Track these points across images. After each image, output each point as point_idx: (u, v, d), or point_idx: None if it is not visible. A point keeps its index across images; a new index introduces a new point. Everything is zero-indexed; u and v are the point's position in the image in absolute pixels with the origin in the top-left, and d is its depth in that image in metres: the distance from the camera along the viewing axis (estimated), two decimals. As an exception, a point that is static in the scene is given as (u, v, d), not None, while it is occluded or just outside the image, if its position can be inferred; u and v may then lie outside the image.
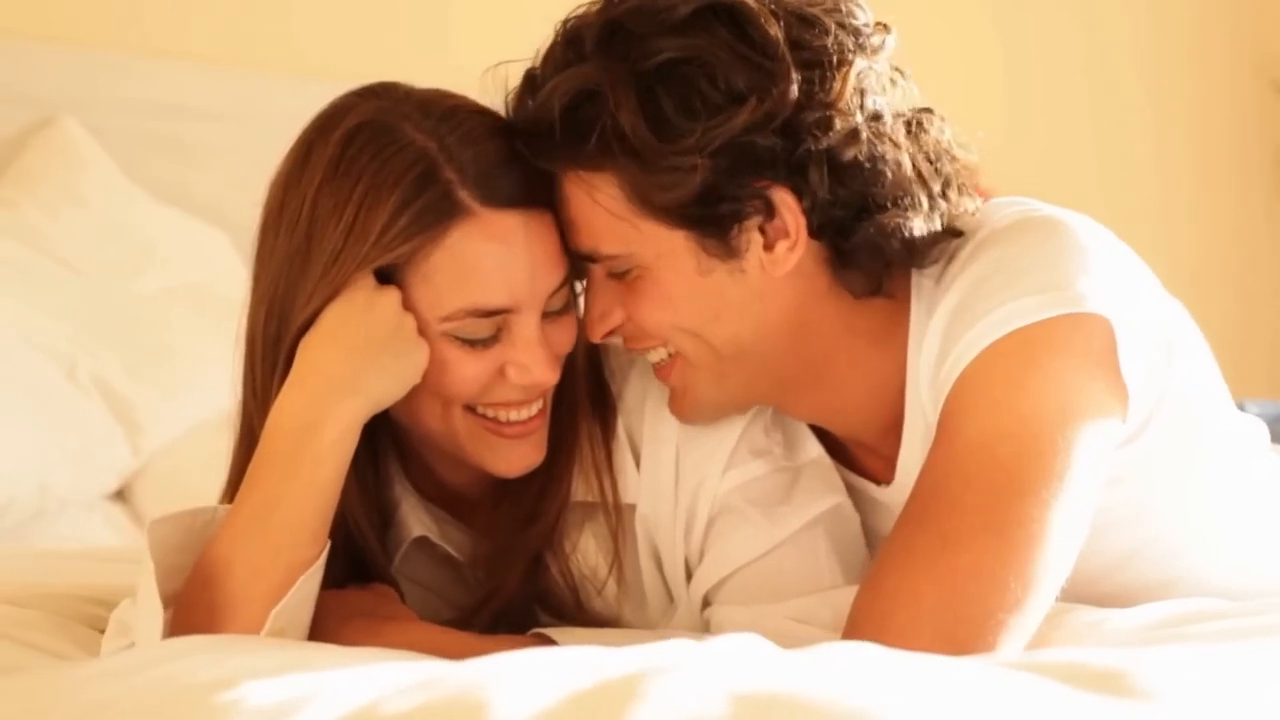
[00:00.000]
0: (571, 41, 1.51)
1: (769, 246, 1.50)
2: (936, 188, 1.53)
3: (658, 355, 1.59)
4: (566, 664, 1.06)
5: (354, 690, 1.03)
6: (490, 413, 1.56)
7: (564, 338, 1.58)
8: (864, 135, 1.48)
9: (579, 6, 1.53)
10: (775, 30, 1.46)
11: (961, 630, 1.36)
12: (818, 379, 1.58)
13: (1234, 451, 1.65)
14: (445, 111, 1.52)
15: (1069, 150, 3.84)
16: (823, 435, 1.68)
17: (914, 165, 1.52)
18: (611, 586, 1.63)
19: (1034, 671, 1.03)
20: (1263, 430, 1.72)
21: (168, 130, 3.01)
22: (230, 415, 2.63)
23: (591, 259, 1.55)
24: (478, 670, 1.05)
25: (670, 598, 1.66)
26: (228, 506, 1.53)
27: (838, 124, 1.47)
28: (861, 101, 1.49)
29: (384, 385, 1.49)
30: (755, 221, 1.49)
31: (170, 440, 2.66)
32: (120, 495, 2.66)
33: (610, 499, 1.62)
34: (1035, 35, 3.92)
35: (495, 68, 1.56)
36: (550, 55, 1.53)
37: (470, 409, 1.56)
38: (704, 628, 1.62)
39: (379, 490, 1.63)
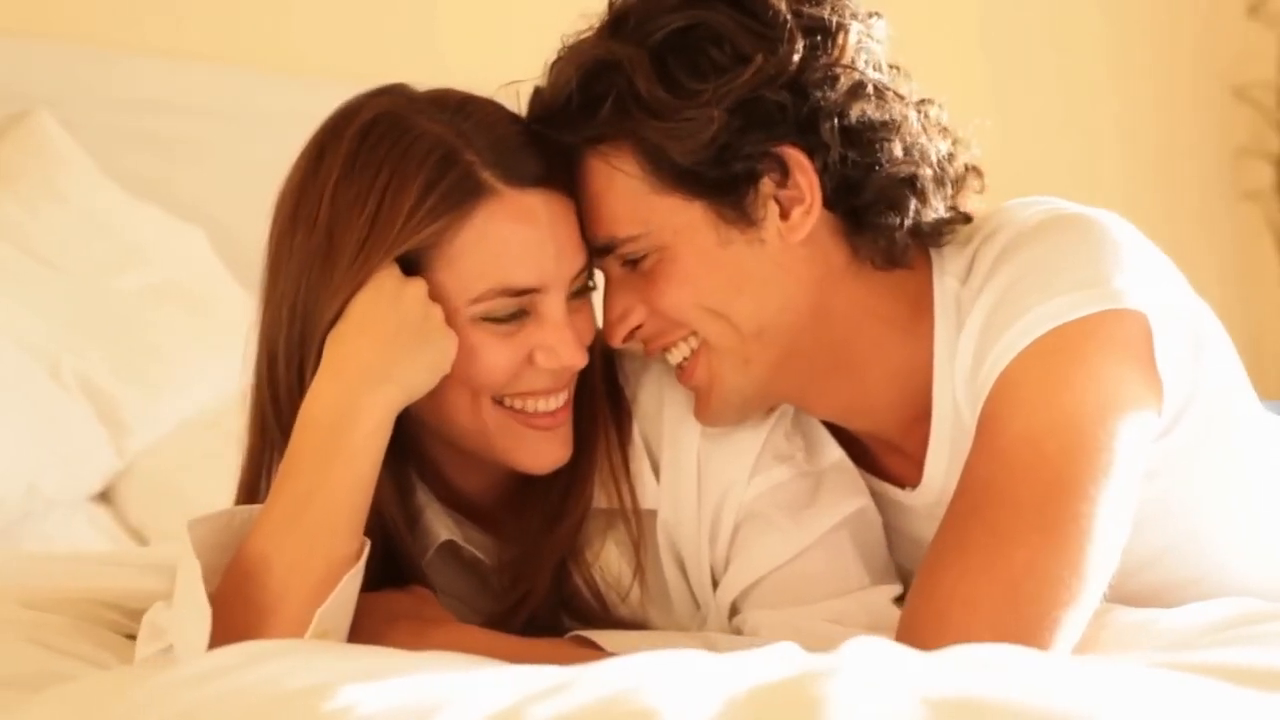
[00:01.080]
0: (581, 36, 1.56)
1: (785, 214, 1.52)
2: (944, 148, 1.56)
3: (679, 354, 1.59)
4: (707, 667, 1.04)
5: (481, 696, 1.01)
6: (519, 404, 1.55)
7: (586, 325, 1.58)
8: (869, 89, 1.52)
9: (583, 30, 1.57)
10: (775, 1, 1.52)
11: (1019, 627, 1.36)
12: (840, 366, 1.58)
13: (1259, 447, 1.66)
14: (458, 103, 1.53)
15: (1037, 154, 3.86)
16: (843, 442, 1.67)
17: (921, 124, 1.55)
18: (635, 593, 1.62)
19: (1201, 672, 1.02)
20: None
21: (144, 126, 2.96)
22: (217, 415, 2.64)
23: (609, 247, 1.55)
24: (620, 673, 1.03)
25: (696, 603, 1.65)
26: (263, 506, 1.51)
27: (843, 80, 1.51)
28: (863, 61, 1.53)
29: (416, 374, 1.48)
30: (770, 186, 1.51)
31: (154, 440, 2.62)
32: (104, 496, 2.61)
33: (630, 505, 1.61)
34: (1005, 43, 3.94)
35: (507, 86, 1.58)
36: (563, 50, 1.57)
37: (499, 402, 1.55)
38: (733, 633, 1.61)
39: (403, 496, 1.61)
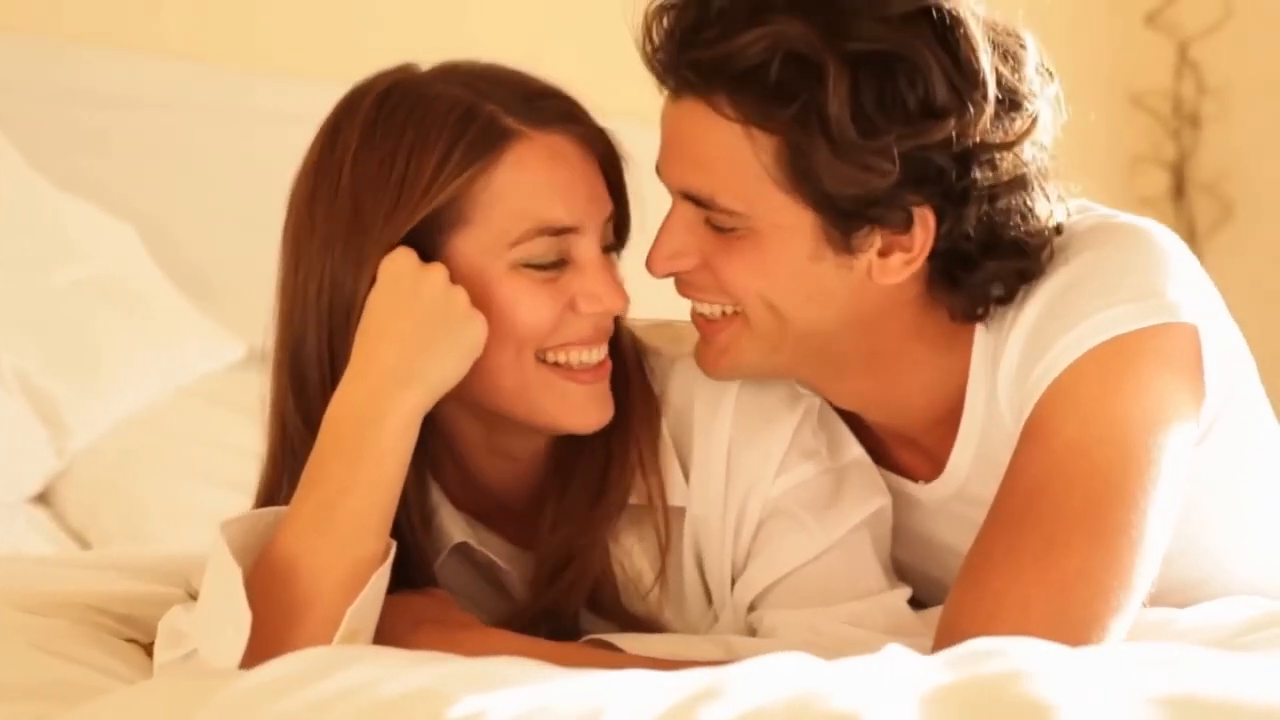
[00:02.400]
0: None
1: (884, 253, 1.49)
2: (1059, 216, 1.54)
3: (711, 309, 1.57)
4: (868, 666, 1.03)
5: (631, 699, 0.99)
6: (561, 357, 1.54)
7: (619, 279, 1.57)
8: (1029, 183, 1.48)
9: None
10: (984, 56, 1.44)
11: (1069, 632, 1.37)
12: (873, 370, 1.58)
13: (1271, 452, 1.69)
14: (468, 71, 1.53)
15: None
16: (854, 432, 1.67)
17: (1054, 206, 1.51)
18: (656, 590, 1.60)
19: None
20: None
21: (73, 118, 2.90)
22: (155, 414, 2.59)
23: (697, 200, 1.52)
24: (779, 674, 1.02)
25: (709, 600, 1.64)
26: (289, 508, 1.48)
27: (1007, 166, 1.46)
28: (1034, 152, 1.48)
29: (442, 369, 1.47)
30: (887, 229, 1.48)
31: (93, 440, 2.56)
32: (43, 498, 2.55)
33: (659, 502, 1.60)
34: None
35: None
36: None
37: (541, 359, 1.53)
38: (747, 631, 1.61)
39: (419, 497, 1.59)
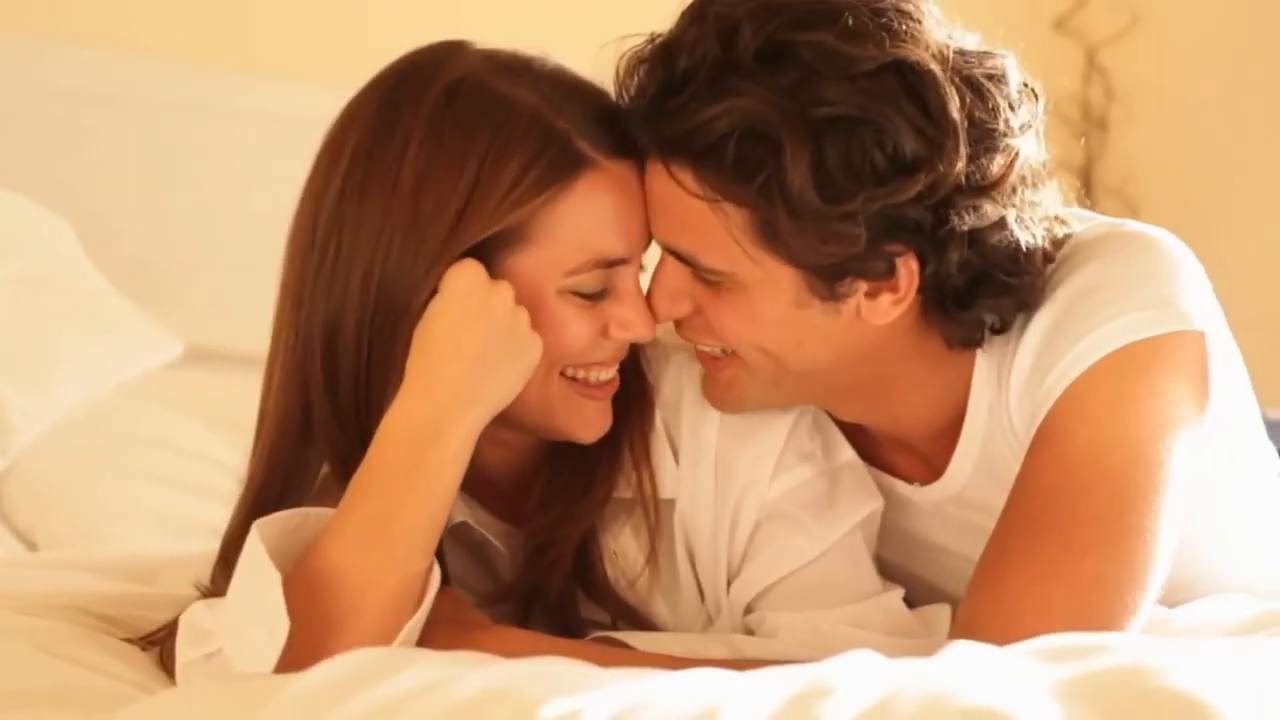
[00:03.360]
0: (724, 35, 1.43)
1: (872, 295, 1.49)
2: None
3: (711, 349, 1.58)
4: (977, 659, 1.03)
5: (744, 698, 0.99)
6: (580, 374, 1.55)
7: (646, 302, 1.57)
8: (1010, 224, 1.47)
9: None
10: (954, 103, 1.42)
11: (1089, 629, 1.39)
12: (877, 394, 1.60)
13: (1259, 454, 1.73)
14: (533, 70, 1.51)
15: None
16: (848, 433, 1.68)
17: (1045, 239, 1.51)
18: (645, 579, 1.61)
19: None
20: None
21: (3, 111, 2.84)
22: (97, 413, 2.55)
23: (680, 258, 1.52)
24: (891, 672, 1.02)
25: (701, 596, 1.65)
26: (327, 511, 1.47)
27: (989, 210, 1.45)
28: (1015, 190, 1.47)
29: (504, 388, 1.47)
30: (872, 278, 1.48)
31: (34, 439, 2.51)
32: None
33: (649, 492, 1.61)
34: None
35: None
36: (695, 43, 1.45)
37: (562, 373, 1.54)
38: (744, 632, 1.61)
39: None
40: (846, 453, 1.66)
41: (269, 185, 3.01)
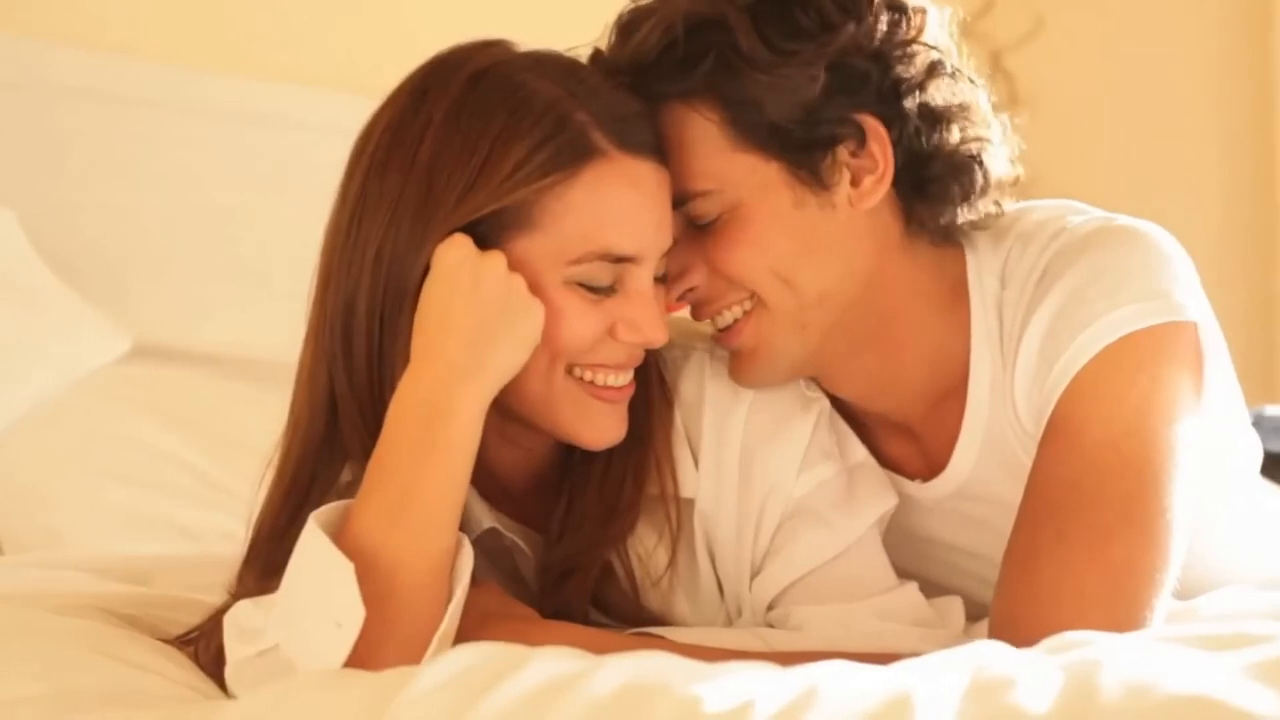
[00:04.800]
0: None
1: (856, 182, 1.58)
2: (999, 136, 1.65)
3: (730, 316, 1.62)
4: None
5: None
6: (589, 375, 1.55)
7: (663, 305, 1.59)
8: (947, 68, 1.60)
9: None
10: None
11: (1122, 616, 1.46)
12: (880, 340, 1.64)
13: (1246, 444, 1.79)
14: (567, 66, 1.54)
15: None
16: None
17: (988, 107, 1.64)
18: (667, 579, 1.63)
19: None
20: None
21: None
22: (53, 411, 2.50)
23: (680, 201, 1.58)
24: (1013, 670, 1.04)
25: (720, 594, 1.67)
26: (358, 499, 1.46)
27: (921, 57, 1.59)
28: (936, 42, 1.60)
29: (505, 357, 1.47)
30: (846, 151, 1.57)
31: (-8, 439, 2.47)
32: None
33: (671, 493, 1.62)
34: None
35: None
36: (632, 9, 1.60)
37: (569, 371, 1.54)
38: (766, 627, 1.63)
39: None
40: (861, 451, 1.70)
41: (216, 181, 3.01)
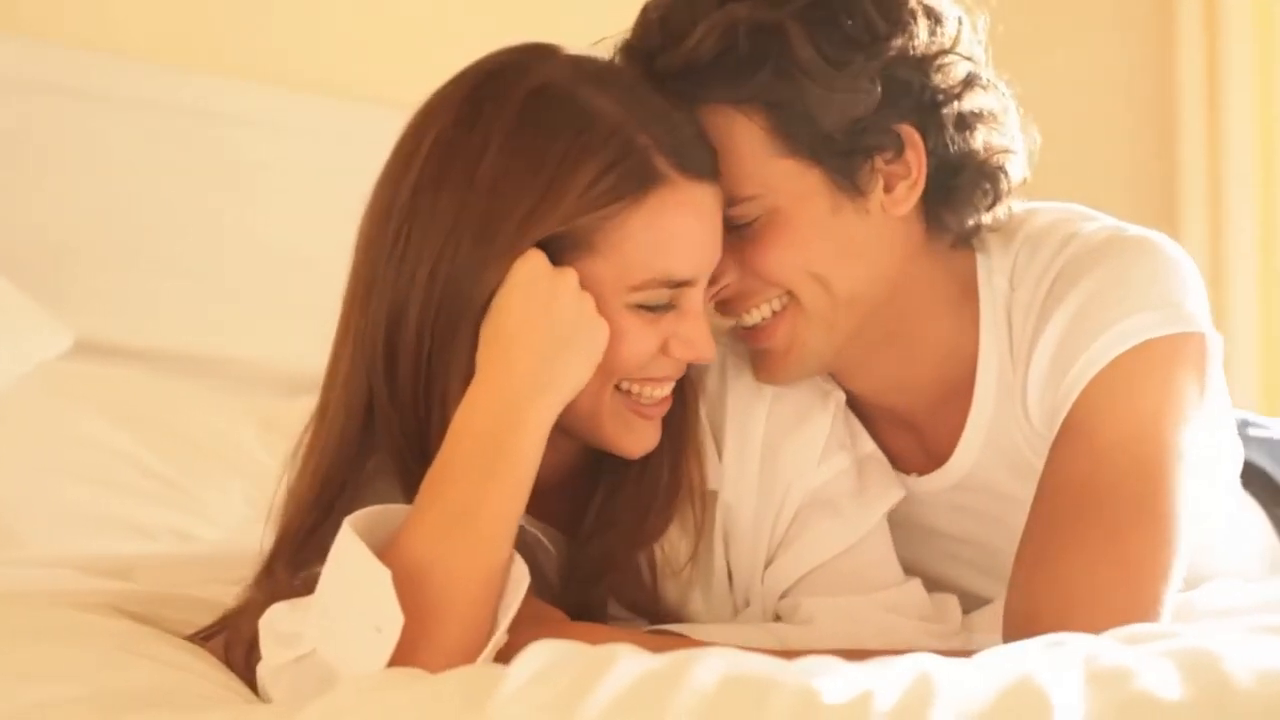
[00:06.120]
0: None
1: (889, 188, 1.61)
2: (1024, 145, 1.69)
3: (758, 315, 1.65)
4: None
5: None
6: (635, 389, 1.56)
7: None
8: (982, 78, 1.63)
9: None
10: None
11: (1138, 610, 1.50)
12: (896, 338, 1.68)
13: (1228, 445, 1.86)
14: (624, 83, 1.54)
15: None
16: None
17: (1018, 118, 1.68)
18: (688, 571, 1.65)
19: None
20: None
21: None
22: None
23: (725, 204, 1.59)
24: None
25: (730, 584, 1.69)
26: (406, 507, 1.47)
27: (958, 67, 1.61)
28: (971, 52, 1.63)
29: (574, 374, 1.49)
30: (883, 160, 1.60)
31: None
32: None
33: (697, 486, 1.64)
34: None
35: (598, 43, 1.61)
36: (662, 7, 1.61)
37: (617, 386, 1.56)
38: (773, 619, 1.66)
39: None
40: (870, 444, 1.73)
41: (159, 176, 2.97)
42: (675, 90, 1.56)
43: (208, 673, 1.48)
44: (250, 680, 1.49)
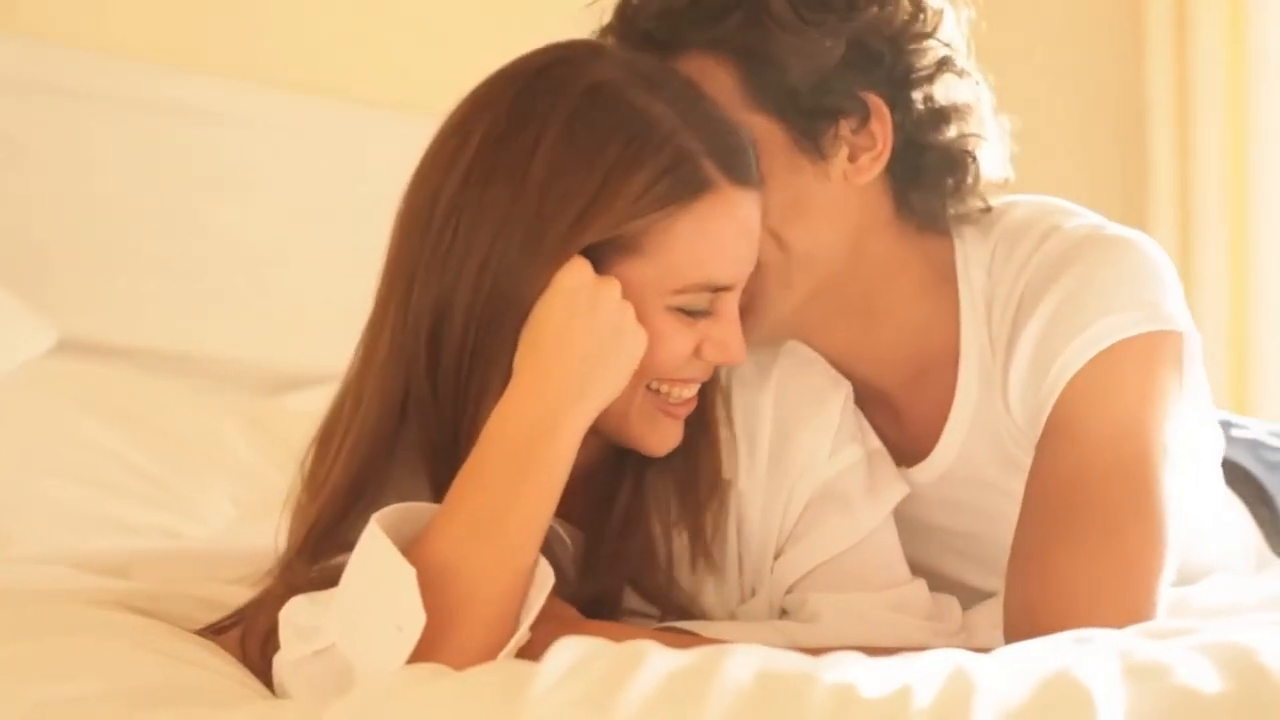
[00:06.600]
0: None
1: (853, 158, 1.64)
2: (999, 132, 1.72)
3: None
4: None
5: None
6: (665, 389, 1.57)
7: None
8: (956, 65, 1.66)
9: None
10: None
11: (1134, 604, 1.53)
12: (861, 308, 1.71)
13: (1207, 440, 1.89)
14: (675, 87, 1.55)
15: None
16: None
17: (991, 110, 1.70)
18: (701, 561, 1.65)
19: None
20: None
21: None
22: None
23: None
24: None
25: (739, 572, 1.69)
26: (432, 506, 1.48)
27: (935, 51, 1.65)
28: (950, 40, 1.67)
29: (611, 384, 1.50)
30: (848, 127, 1.63)
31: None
32: None
33: (717, 475, 1.65)
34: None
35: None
36: None
37: (647, 386, 1.56)
38: (779, 611, 1.68)
39: None
40: (874, 439, 1.74)
41: (143, 176, 2.96)
42: (654, 39, 1.60)
43: (222, 668, 1.48)
44: (265, 674, 1.50)
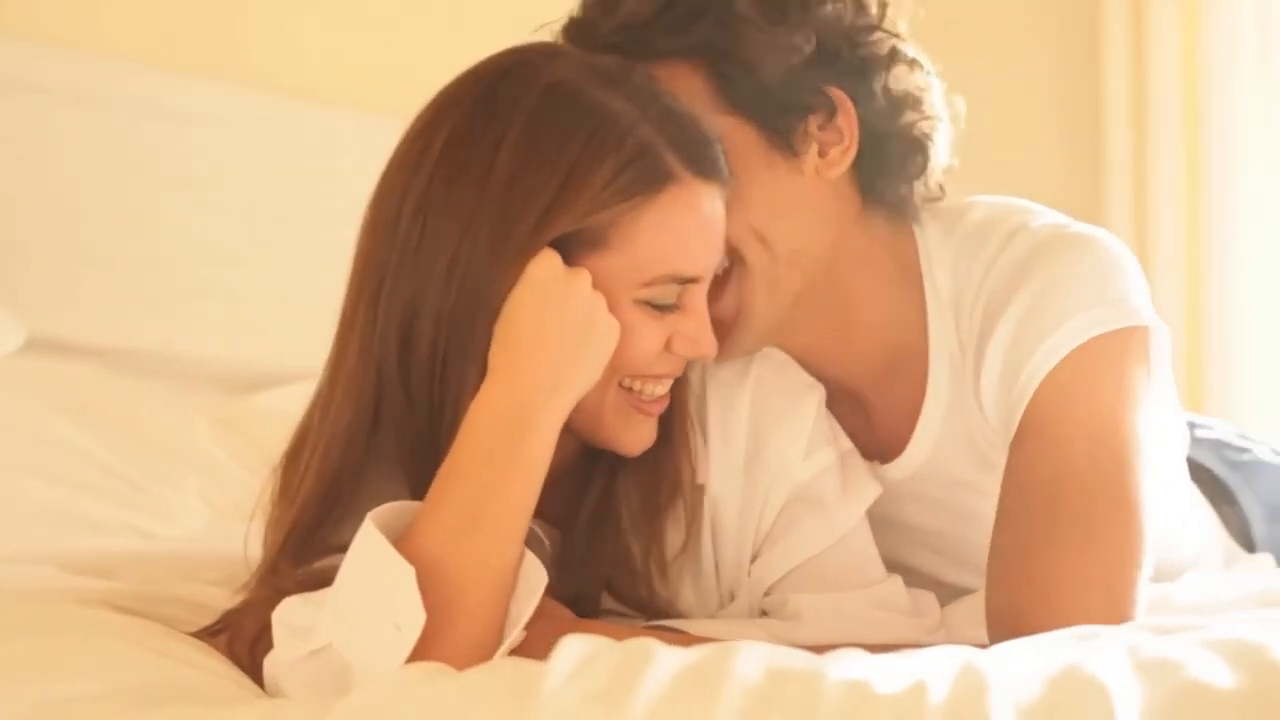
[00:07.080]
0: None
1: (823, 153, 1.67)
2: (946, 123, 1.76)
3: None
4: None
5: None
6: (637, 386, 1.59)
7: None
8: (908, 55, 1.70)
9: None
10: None
11: (1117, 600, 1.55)
12: (833, 304, 1.73)
13: (1175, 436, 1.92)
14: (635, 82, 1.56)
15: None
16: None
17: (941, 96, 1.74)
18: (678, 565, 1.67)
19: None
20: None
21: None
22: None
23: None
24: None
25: (716, 576, 1.71)
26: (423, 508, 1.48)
27: (885, 42, 1.69)
28: (896, 29, 1.71)
29: (585, 375, 1.51)
30: (816, 124, 1.66)
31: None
32: None
33: (688, 479, 1.66)
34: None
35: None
36: None
37: (619, 384, 1.58)
38: (759, 613, 1.69)
39: None
40: (846, 440, 1.76)
41: (111, 174, 2.95)
42: (618, 51, 1.61)
43: (218, 669, 1.49)
44: (255, 677, 1.50)
